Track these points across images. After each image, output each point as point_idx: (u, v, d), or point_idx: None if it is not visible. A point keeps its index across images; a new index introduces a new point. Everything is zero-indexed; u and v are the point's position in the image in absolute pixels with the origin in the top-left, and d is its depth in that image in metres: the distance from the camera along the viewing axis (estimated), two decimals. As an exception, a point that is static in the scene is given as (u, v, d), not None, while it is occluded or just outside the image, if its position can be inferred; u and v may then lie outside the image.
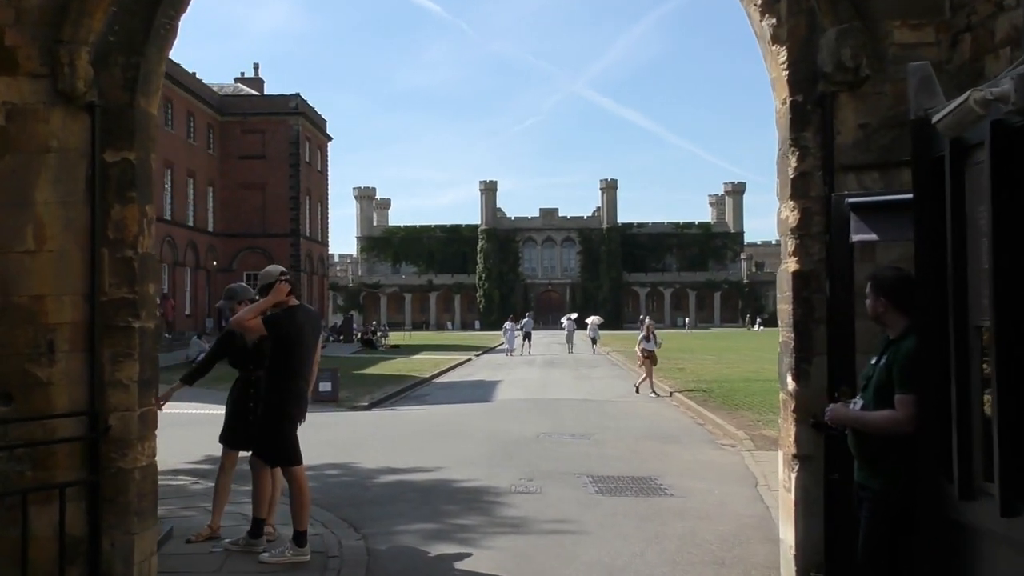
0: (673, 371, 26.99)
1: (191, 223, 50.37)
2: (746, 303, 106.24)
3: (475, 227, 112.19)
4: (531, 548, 7.38)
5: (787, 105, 5.68)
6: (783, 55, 5.65)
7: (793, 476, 5.59)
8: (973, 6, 5.12)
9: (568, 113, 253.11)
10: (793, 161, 5.62)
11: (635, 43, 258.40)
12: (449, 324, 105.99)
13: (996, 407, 3.11)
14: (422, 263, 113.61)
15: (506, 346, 44.07)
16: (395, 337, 59.49)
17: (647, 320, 23.95)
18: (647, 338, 22.15)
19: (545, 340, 57.63)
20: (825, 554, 5.23)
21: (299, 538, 6.71)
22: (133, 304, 5.81)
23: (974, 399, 3.40)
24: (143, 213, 5.93)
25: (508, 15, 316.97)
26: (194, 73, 51.30)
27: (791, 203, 5.65)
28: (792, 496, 5.60)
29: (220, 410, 7.58)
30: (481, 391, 23.51)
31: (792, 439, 5.62)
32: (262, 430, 6.82)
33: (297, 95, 57.00)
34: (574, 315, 53.11)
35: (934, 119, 3.42)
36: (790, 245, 5.66)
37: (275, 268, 7.02)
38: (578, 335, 49.83)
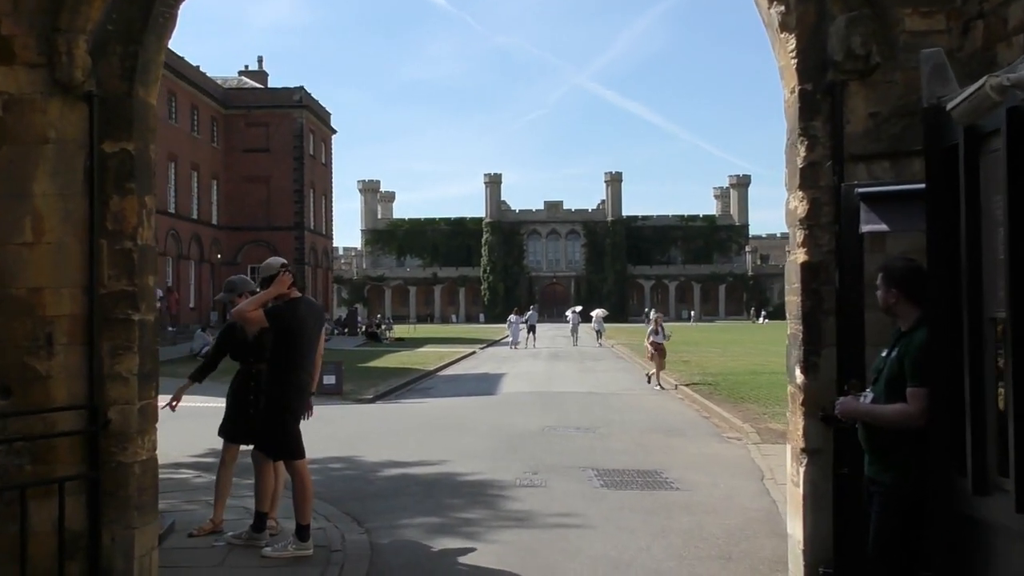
0: (678, 364, 26.89)
1: (195, 216, 50.38)
2: (751, 296, 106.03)
3: (480, 220, 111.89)
4: (536, 542, 7.34)
5: (796, 94, 5.59)
6: (792, 43, 5.56)
7: (801, 470, 5.52)
8: (985, -8, 5.03)
9: (573, 106, 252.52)
10: (802, 151, 5.54)
11: (640, 36, 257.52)
12: (454, 317, 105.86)
13: (1011, 400, 3.06)
14: (427, 256, 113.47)
15: (511, 339, 44.06)
16: (399, 330, 59.46)
17: (654, 313, 23.85)
18: (656, 331, 22.04)
19: (550, 333, 57.59)
20: (834, 549, 5.17)
21: (302, 532, 6.67)
22: (132, 296, 5.75)
23: (988, 392, 3.35)
24: (142, 204, 5.86)
25: (513, 8, 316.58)
26: (198, 66, 51.19)
27: (800, 193, 5.56)
28: (800, 490, 5.53)
29: (222, 403, 7.53)
30: (485, 384, 23.49)
31: (800, 433, 5.54)
32: (264, 423, 6.78)
33: (301, 88, 56.90)
34: (579, 308, 52.95)
35: (949, 106, 3.36)
36: (799, 236, 5.58)
37: (276, 260, 6.98)
38: (583, 328, 49.79)
